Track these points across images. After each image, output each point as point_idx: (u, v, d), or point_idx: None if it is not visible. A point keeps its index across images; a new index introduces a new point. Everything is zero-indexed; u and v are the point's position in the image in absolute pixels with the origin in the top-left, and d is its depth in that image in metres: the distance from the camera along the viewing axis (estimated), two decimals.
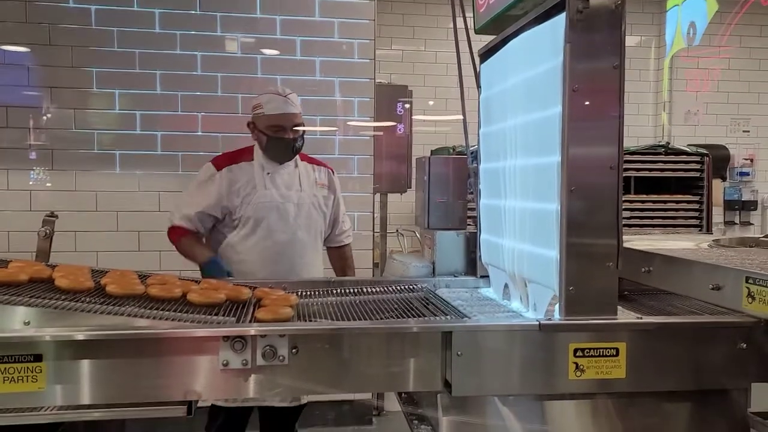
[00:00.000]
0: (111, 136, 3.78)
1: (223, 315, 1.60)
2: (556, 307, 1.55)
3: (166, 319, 1.52)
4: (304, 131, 2.72)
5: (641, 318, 1.60)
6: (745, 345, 1.53)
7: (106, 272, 1.91)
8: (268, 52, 3.89)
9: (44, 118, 3.71)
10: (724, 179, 7.20)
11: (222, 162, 2.69)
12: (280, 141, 2.64)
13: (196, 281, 1.96)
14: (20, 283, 1.64)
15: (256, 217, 2.64)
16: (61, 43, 3.68)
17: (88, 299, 1.58)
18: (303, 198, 2.70)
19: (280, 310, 1.64)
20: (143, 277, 1.91)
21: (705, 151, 5.27)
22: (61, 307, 1.49)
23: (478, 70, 2.17)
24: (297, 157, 2.75)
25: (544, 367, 1.50)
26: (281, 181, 2.69)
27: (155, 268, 3.58)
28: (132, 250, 3.76)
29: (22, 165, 3.70)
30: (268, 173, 2.67)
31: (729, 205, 7.44)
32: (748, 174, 7.50)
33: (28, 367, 1.35)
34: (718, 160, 5.87)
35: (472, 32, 2.15)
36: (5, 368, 1.35)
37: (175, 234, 2.70)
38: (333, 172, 2.88)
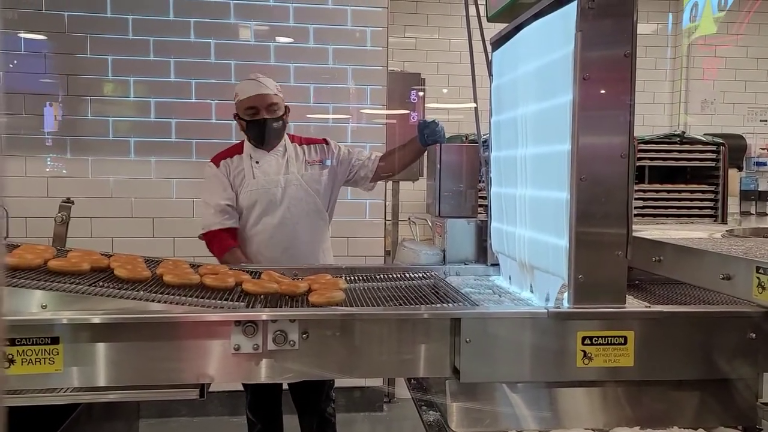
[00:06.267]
0: (126, 123, 3.82)
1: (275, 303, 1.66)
2: (565, 295, 1.56)
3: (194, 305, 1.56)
4: (283, 113, 2.75)
5: (650, 307, 1.61)
6: (754, 335, 1.53)
7: (159, 262, 1.96)
8: (281, 39, 3.90)
9: (60, 105, 3.75)
10: (740, 169, 7.12)
11: (217, 159, 2.79)
12: (257, 123, 2.69)
13: (251, 273, 1.99)
14: (83, 273, 1.69)
15: (247, 206, 2.72)
16: (77, 31, 3.71)
17: (147, 288, 1.64)
18: (290, 180, 2.74)
19: (332, 293, 1.68)
20: (194, 266, 1.95)
21: (721, 141, 5.21)
22: (76, 291, 1.53)
23: (490, 58, 2.17)
24: (287, 141, 2.80)
25: (553, 354, 1.51)
26: (268, 167, 2.74)
27: (169, 255, 3.63)
28: (146, 237, 3.81)
29: (39, 152, 3.75)
30: (257, 162, 2.73)
31: (745, 195, 7.34)
32: (765, 164, 7.40)
33: (45, 350, 1.39)
34: (734, 150, 5.79)
35: (484, 20, 2.15)
36: (23, 350, 1.38)
37: (218, 245, 2.68)
38: (327, 142, 2.90)
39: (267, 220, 2.72)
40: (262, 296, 1.71)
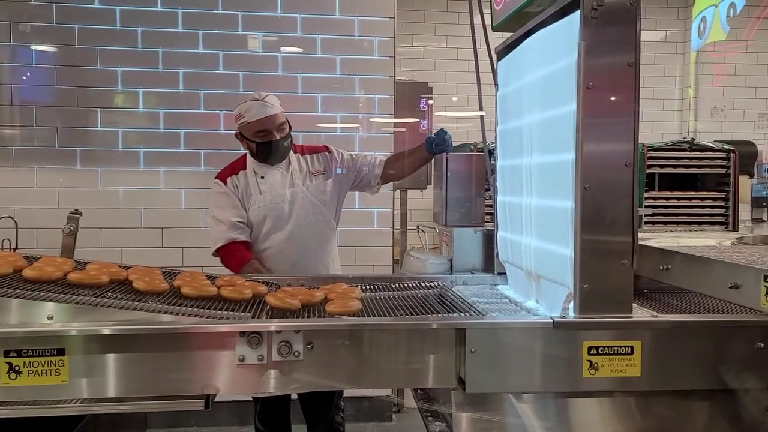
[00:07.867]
0: (135, 135, 3.85)
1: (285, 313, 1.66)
2: (571, 304, 1.55)
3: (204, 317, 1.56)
4: (290, 129, 2.76)
5: (656, 316, 1.60)
6: (763, 344, 1.51)
7: (176, 274, 1.97)
8: (289, 50, 3.92)
9: (71, 117, 3.78)
10: (751, 176, 7.06)
11: (224, 175, 2.78)
12: (270, 144, 2.69)
13: (269, 284, 1.99)
14: (102, 285, 1.70)
15: (256, 222, 2.72)
16: (87, 43, 3.75)
17: (164, 300, 1.65)
18: (295, 194, 2.74)
19: (349, 303, 1.68)
20: (211, 278, 1.96)
21: (731, 147, 5.19)
22: (85, 302, 1.53)
23: (495, 67, 2.17)
24: (290, 153, 2.80)
25: (558, 364, 1.50)
26: (274, 181, 2.74)
27: (178, 264, 3.64)
28: (156, 246, 3.83)
29: (50, 163, 3.78)
30: (262, 177, 2.74)
31: (756, 202, 7.27)
32: None
33: (51, 361, 1.40)
34: (745, 157, 5.75)
35: (490, 29, 2.16)
36: (29, 362, 1.39)
37: (236, 259, 2.65)
38: (329, 149, 2.89)
39: (276, 235, 2.71)
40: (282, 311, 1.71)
